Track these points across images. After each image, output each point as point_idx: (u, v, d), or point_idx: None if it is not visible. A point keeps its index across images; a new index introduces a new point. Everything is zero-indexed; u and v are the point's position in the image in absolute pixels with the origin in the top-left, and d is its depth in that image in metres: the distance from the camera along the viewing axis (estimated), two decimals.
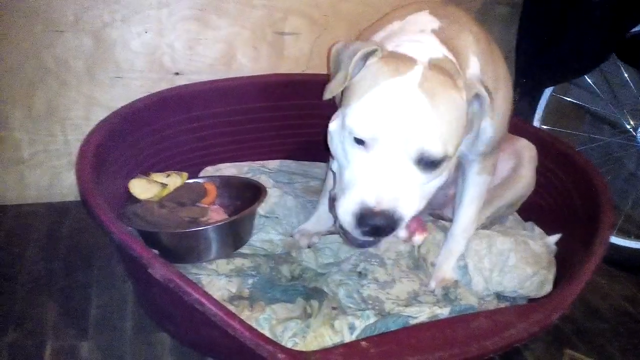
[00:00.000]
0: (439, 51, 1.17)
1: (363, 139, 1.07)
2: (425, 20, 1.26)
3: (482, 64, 1.27)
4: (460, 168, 1.48)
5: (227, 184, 1.71)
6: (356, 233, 1.09)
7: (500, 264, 1.44)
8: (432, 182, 1.13)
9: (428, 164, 1.07)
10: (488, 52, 1.31)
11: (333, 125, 1.16)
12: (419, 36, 1.21)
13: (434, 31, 1.22)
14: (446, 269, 1.46)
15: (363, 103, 1.07)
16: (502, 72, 1.36)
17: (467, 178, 1.46)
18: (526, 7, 2.01)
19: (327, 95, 1.17)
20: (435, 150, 1.05)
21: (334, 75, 1.17)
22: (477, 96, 1.13)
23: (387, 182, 1.05)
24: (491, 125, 1.33)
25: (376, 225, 1.05)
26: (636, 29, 1.82)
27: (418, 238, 1.46)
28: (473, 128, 1.21)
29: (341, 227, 1.12)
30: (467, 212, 1.48)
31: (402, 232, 1.22)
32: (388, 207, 1.04)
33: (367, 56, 1.13)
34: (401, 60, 1.10)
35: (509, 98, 1.39)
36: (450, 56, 1.18)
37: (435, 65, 1.11)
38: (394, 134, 1.04)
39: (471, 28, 1.29)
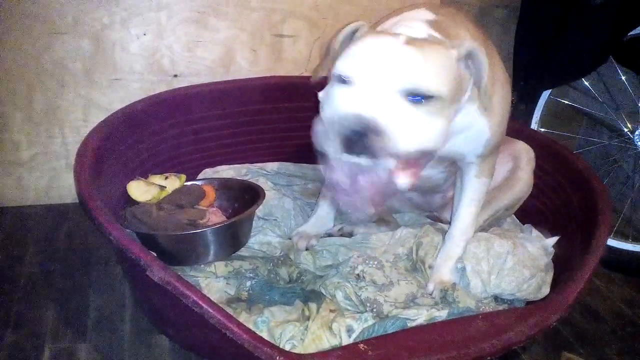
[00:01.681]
0: (428, 32, 1.18)
1: (348, 77, 1.05)
2: (421, 13, 1.28)
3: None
4: (458, 171, 1.48)
5: (226, 186, 1.71)
6: (342, 157, 1.05)
7: (498, 267, 1.44)
8: (430, 121, 1.07)
9: (418, 98, 1.04)
10: (485, 53, 1.30)
11: (322, 93, 1.15)
12: (411, 23, 1.22)
13: (427, 21, 1.23)
14: (444, 271, 1.46)
15: (350, 49, 1.09)
16: (500, 74, 1.37)
17: (466, 181, 1.46)
18: (524, 10, 2.01)
19: (314, 76, 1.21)
20: (424, 80, 1.04)
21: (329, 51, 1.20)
22: (470, 55, 1.13)
23: (368, 108, 1.02)
24: (489, 126, 1.33)
25: (353, 129, 1.01)
26: (634, 32, 1.83)
27: (402, 180, 1.13)
28: (466, 91, 1.19)
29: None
30: (466, 215, 1.48)
31: (390, 162, 1.06)
32: (367, 114, 1.01)
33: (354, 32, 1.16)
34: (387, 33, 1.14)
35: (507, 100, 1.39)
36: (440, 37, 1.18)
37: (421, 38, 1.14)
38: (381, 67, 1.04)
39: (468, 26, 1.30)
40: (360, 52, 1.07)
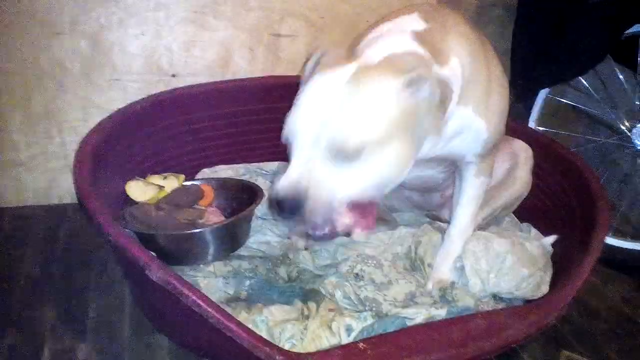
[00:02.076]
0: (407, 48, 1.17)
1: (287, 139, 1.11)
2: (411, 22, 1.27)
3: (469, 67, 1.26)
4: (457, 170, 1.48)
5: (224, 186, 1.71)
6: (279, 218, 1.12)
7: (497, 266, 1.45)
8: (364, 172, 1.08)
9: (345, 156, 1.06)
10: (479, 55, 1.30)
11: None
12: (396, 36, 1.22)
13: (415, 32, 1.23)
14: (443, 270, 1.46)
15: (291, 110, 1.11)
16: (497, 74, 1.36)
17: (465, 180, 1.46)
18: (522, 9, 2.02)
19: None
20: (346, 139, 1.04)
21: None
22: (415, 82, 1.08)
23: (295, 174, 1.07)
24: (486, 127, 1.33)
25: (279, 200, 1.07)
26: (631, 30, 1.83)
27: (358, 233, 1.20)
28: (429, 118, 1.15)
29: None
30: (465, 214, 1.48)
31: (342, 221, 1.13)
32: (292, 193, 1.06)
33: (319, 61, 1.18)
34: (341, 60, 1.12)
35: (505, 100, 1.39)
36: (422, 51, 1.18)
37: (382, 61, 1.11)
38: (304, 132, 1.07)
39: (460, 31, 1.29)
40: (294, 113, 1.10)
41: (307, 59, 1.23)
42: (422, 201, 1.74)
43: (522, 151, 1.65)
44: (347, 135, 1.04)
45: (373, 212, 1.20)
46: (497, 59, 1.40)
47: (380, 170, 1.10)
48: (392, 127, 1.08)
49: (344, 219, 1.12)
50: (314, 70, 1.17)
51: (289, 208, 1.07)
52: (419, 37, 1.21)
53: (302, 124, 1.07)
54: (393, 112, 1.07)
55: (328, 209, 1.09)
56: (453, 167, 1.49)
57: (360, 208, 1.14)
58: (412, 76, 1.07)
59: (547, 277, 1.49)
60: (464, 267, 1.46)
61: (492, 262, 1.45)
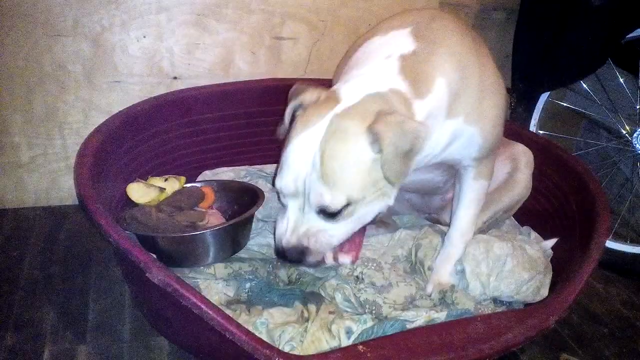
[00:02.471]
0: (387, 84, 1.19)
1: (280, 194, 1.22)
2: (400, 43, 1.28)
3: (457, 82, 1.27)
4: (457, 173, 1.48)
5: (225, 188, 1.71)
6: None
7: (498, 269, 1.45)
8: (343, 224, 1.20)
9: (329, 214, 1.17)
10: (470, 66, 1.30)
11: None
12: (379, 64, 1.24)
13: (401, 57, 1.24)
14: (443, 273, 1.46)
15: (281, 162, 1.20)
16: (490, 81, 1.35)
17: (464, 183, 1.46)
18: (523, 13, 2.02)
19: (277, 135, 1.33)
20: (327, 202, 1.14)
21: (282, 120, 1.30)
22: (377, 138, 1.12)
23: (293, 226, 1.21)
24: (480, 133, 1.34)
25: (286, 258, 1.23)
26: (632, 34, 1.83)
27: (343, 259, 1.44)
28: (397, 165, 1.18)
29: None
30: (465, 217, 1.49)
31: (328, 258, 1.38)
32: (295, 244, 1.21)
33: (297, 109, 1.24)
34: (317, 111, 1.17)
35: (500, 105, 1.38)
36: (403, 86, 1.20)
37: (354, 106, 1.15)
38: (293, 190, 1.17)
39: (449, 45, 1.28)
40: (283, 167, 1.19)
41: (290, 99, 1.27)
42: (423, 204, 1.74)
43: (523, 155, 1.65)
44: (329, 201, 1.14)
45: (360, 240, 1.42)
46: (491, 64, 1.39)
47: (364, 216, 1.21)
48: (367, 183, 1.15)
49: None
50: (296, 115, 1.23)
51: (293, 258, 1.23)
52: (404, 63, 1.23)
53: (290, 184, 1.17)
54: (365, 169, 1.14)
55: (323, 254, 1.26)
56: (452, 170, 1.50)
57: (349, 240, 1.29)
58: (372, 133, 1.11)
59: (547, 281, 1.49)
60: (464, 270, 1.46)
61: (493, 266, 1.45)
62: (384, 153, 1.12)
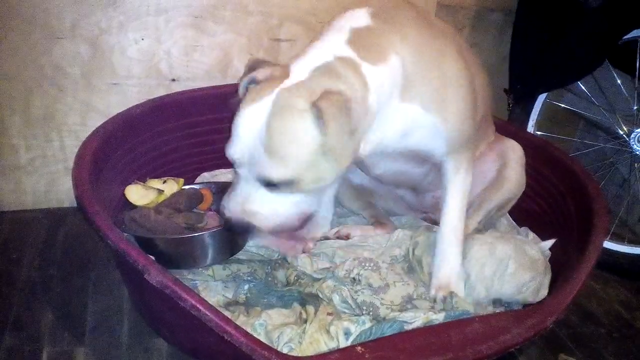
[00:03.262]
0: (334, 52, 1.21)
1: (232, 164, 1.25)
2: (356, 18, 1.29)
3: (413, 64, 1.27)
4: (440, 169, 1.48)
5: (224, 190, 1.68)
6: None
7: (500, 271, 1.44)
8: (287, 201, 1.23)
9: (273, 185, 1.19)
10: (428, 52, 1.30)
11: None
12: (329, 37, 1.27)
13: (352, 29, 1.26)
14: (441, 276, 1.44)
15: (231, 134, 1.22)
16: (453, 72, 1.33)
17: (445, 176, 1.46)
18: (520, 14, 2.03)
19: (230, 106, 1.33)
20: (271, 176, 1.17)
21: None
22: (320, 113, 1.12)
23: (239, 196, 1.24)
24: (443, 125, 1.33)
25: (230, 227, 1.27)
26: (629, 35, 1.84)
27: (291, 254, 1.55)
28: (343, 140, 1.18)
29: None
30: (452, 211, 1.47)
31: (265, 240, 1.50)
32: (237, 217, 1.24)
33: (250, 83, 1.26)
34: (267, 86, 1.19)
35: (466, 99, 1.36)
36: (352, 55, 1.21)
37: (301, 82, 1.17)
38: (239, 160, 1.20)
39: (407, 26, 1.29)
40: (232, 137, 1.22)
41: (244, 74, 1.29)
42: (416, 202, 1.74)
43: (511, 151, 1.63)
44: (270, 173, 1.16)
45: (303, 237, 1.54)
46: (456, 57, 1.36)
47: (306, 200, 1.25)
48: (309, 159, 1.16)
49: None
50: (246, 90, 1.26)
51: (239, 229, 1.27)
52: (356, 34, 1.25)
53: (237, 153, 1.20)
54: (307, 145, 1.15)
55: (267, 230, 1.27)
56: (430, 163, 1.49)
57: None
58: (317, 107, 1.12)
59: (547, 281, 1.49)
60: (469, 275, 1.45)
61: (496, 268, 1.44)
62: (327, 130, 1.12)
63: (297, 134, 1.14)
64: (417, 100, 1.29)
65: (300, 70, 1.20)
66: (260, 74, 1.24)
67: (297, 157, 1.15)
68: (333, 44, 1.24)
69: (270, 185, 1.19)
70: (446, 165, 1.44)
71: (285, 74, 1.20)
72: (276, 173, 1.16)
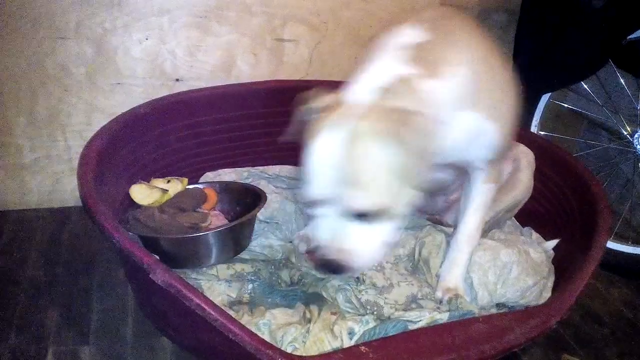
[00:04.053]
0: (397, 72, 1.18)
1: (310, 203, 1.18)
2: (413, 34, 1.26)
3: (472, 74, 1.25)
4: (465, 176, 1.48)
5: (227, 190, 1.72)
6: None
7: (504, 277, 1.44)
8: (380, 228, 1.17)
9: (363, 217, 1.14)
10: (484, 63, 1.29)
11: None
12: (390, 54, 1.23)
13: (412, 45, 1.22)
14: (450, 279, 1.45)
15: (305, 171, 1.16)
16: (504, 78, 1.35)
17: (473, 186, 1.45)
18: (524, 14, 2.03)
19: (283, 138, 1.31)
20: (363, 206, 1.12)
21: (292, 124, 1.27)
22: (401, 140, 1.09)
23: (330, 237, 1.17)
24: (499, 133, 1.33)
25: (324, 270, 1.20)
26: (633, 35, 1.84)
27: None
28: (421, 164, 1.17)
29: None
30: (472, 220, 1.47)
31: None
32: (334, 258, 1.17)
33: (312, 112, 1.20)
34: (333, 116, 1.14)
35: (514, 105, 1.37)
36: (414, 72, 1.18)
37: (372, 109, 1.13)
38: (326, 197, 1.14)
39: (464, 39, 1.28)
40: (309, 175, 1.15)
41: (299, 104, 1.25)
42: (426, 204, 1.74)
43: (524, 155, 1.65)
44: (360, 203, 1.11)
45: None
46: (504, 67, 1.37)
47: (394, 226, 1.19)
48: (392, 186, 1.12)
49: None
50: (312, 120, 1.19)
51: (338, 271, 1.19)
52: (417, 50, 1.21)
53: (319, 191, 1.14)
54: (389, 171, 1.11)
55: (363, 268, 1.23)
56: (460, 170, 1.49)
57: None
58: (395, 136, 1.09)
59: (550, 284, 1.49)
60: (472, 280, 1.45)
61: (499, 274, 1.44)
62: (405, 155, 1.10)
63: (381, 159, 1.10)
64: (483, 110, 1.28)
65: (363, 93, 1.16)
66: (320, 102, 1.20)
67: (384, 183, 1.11)
68: (393, 63, 1.20)
69: (360, 216, 1.13)
70: (478, 175, 1.43)
71: (347, 100, 1.16)
72: (367, 203, 1.11)
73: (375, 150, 1.10)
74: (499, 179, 1.48)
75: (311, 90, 1.26)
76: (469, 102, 1.26)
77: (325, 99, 1.19)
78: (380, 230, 1.17)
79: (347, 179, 1.10)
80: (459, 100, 1.23)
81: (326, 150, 1.12)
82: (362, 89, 1.17)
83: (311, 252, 1.30)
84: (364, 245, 1.17)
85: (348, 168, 1.10)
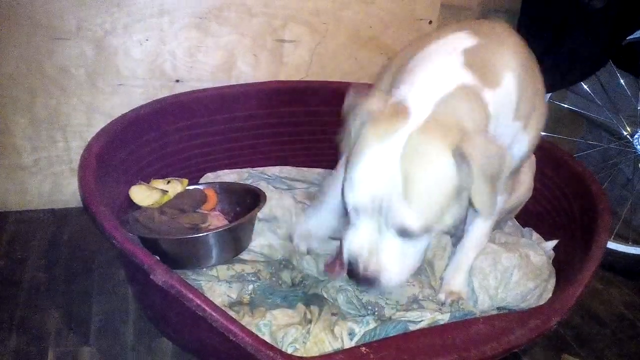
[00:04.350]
0: (454, 81, 1.13)
1: (353, 212, 1.14)
2: (461, 39, 1.23)
3: (520, 80, 1.23)
4: None
5: (227, 190, 1.72)
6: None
7: (505, 281, 1.44)
8: (419, 245, 1.16)
9: (408, 236, 1.11)
10: (528, 68, 1.27)
11: (339, 172, 1.23)
12: (442, 61, 1.18)
13: (465, 51, 1.18)
14: (454, 283, 1.44)
15: (353, 177, 1.11)
16: (540, 87, 1.33)
17: None
18: (524, 15, 2.03)
19: (340, 147, 1.26)
20: (411, 226, 1.08)
21: (345, 129, 1.20)
22: (462, 156, 1.05)
23: (367, 247, 1.14)
24: (528, 141, 1.32)
25: (359, 282, 1.18)
26: (633, 36, 1.84)
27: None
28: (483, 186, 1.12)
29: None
30: (482, 228, 1.46)
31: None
32: (371, 271, 1.15)
33: (364, 117, 1.14)
34: (389, 124, 1.09)
35: (545, 115, 1.35)
36: (473, 81, 1.14)
37: (431, 121, 1.07)
38: (373, 208, 1.10)
39: (512, 42, 1.26)
40: (359, 184, 1.10)
41: (349, 107, 1.18)
42: None
43: None
44: (411, 223, 1.08)
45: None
46: (540, 73, 1.35)
47: (437, 234, 1.20)
48: (447, 207, 1.09)
49: None
50: (360, 125, 1.14)
51: (367, 284, 1.17)
52: (469, 55, 1.17)
53: (365, 200, 1.10)
54: (449, 193, 1.08)
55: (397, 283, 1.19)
56: None
57: None
58: (462, 157, 1.05)
59: (550, 286, 1.49)
60: (472, 284, 1.45)
61: (501, 278, 1.44)
62: (474, 178, 1.05)
63: (440, 180, 1.06)
64: (522, 118, 1.26)
65: (421, 103, 1.09)
66: (373, 107, 1.12)
67: (439, 205, 1.07)
68: (450, 70, 1.15)
69: (405, 233, 1.10)
70: None
71: (404, 108, 1.10)
72: (418, 222, 1.07)
73: (433, 170, 1.06)
74: (512, 191, 1.46)
75: (351, 90, 1.21)
76: (514, 110, 1.23)
77: (377, 102, 1.13)
78: (417, 248, 1.15)
79: (401, 194, 1.06)
80: (507, 110, 1.21)
81: (378, 160, 1.07)
82: (421, 99, 1.10)
83: (332, 264, 1.31)
84: (400, 261, 1.14)
85: (402, 183, 1.05)
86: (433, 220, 1.09)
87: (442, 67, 1.17)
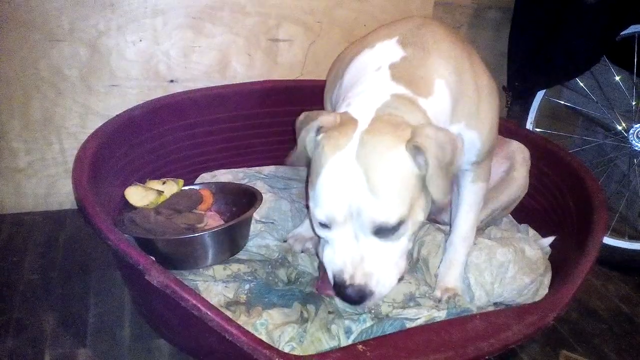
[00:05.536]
0: (389, 90, 1.18)
1: (324, 223, 1.14)
2: (388, 52, 1.27)
3: (453, 86, 1.26)
4: (455, 177, 1.48)
5: (223, 190, 1.72)
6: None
7: (501, 276, 1.44)
8: (399, 243, 1.15)
9: (386, 231, 1.11)
10: (465, 69, 1.30)
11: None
12: (372, 78, 1.22)
13: (391, 66, 1.23)
14: (449, 279, 1.45)
15: (316, 191, 1.13)
16: (484, 83, 1.35)
17: (463, 187, 1.46)
18: (518, 11, 2.03)
19: (289, 163, 1.29)
20: (384, 219, 1.09)
21: (298, 145, 1.22)
22: (418, 148, 1.08)
23: (352, 258, 1.13)
24: (479, 138, 1.34)
25: (350, 297, 1.13)
26: (627, 31, 1.84)
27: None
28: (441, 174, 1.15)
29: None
30: (466, 220, 1.47)
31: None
32: (359, 282, 1.12)
33: (317, 132, 1.16)
34: (342, 131, 1.12)
35: (495, 108, 1.38)
36: (405, 91, 1.18)
37: (377, 121, 1.12)
38: (344, 215, 1.10)
39: (441, 49, 1.27)
40: (325, 195, 1.11)
41: (301, 126, 1.21)
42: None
43: (519, 152, 1.65)
44: (385, 217, 1.08)
45: None
46: (483, 67, 1.38)
47: (410, 238, 1.17)
48: (413, 197, 1.11)
49: None
50: (315, 142, 1.17)
51: (361, 299, 1.14)
52: (396, 70, 1.21)
53: (336, 210, 1.10)
54: (410, 182, 1.10)
55: (385, 293, 1.17)
56: None
57: None
58: (417, 148, 1.08)
59: (546, 281, 1.49)
60: (468, 281, 1.45)
61: (496, 273, 1.45)
62: (429, 167, 1.08)
63: (398, 167, 1.08)
64: (462, 119, 1.29)
65: (364, 111, 1.14)
66: (324, 121, 1.15)
67: (405, 193, 1.09)
68: (381, 84, 1.20)
69: (382, 231, 1.11)
70: (466, 176, 1.44)
71: (352, 118, 1.14)
72: (389, 213, 1.08)
73: (392, 161, 1.08)
74: (488, 178, 1.48)
75: (306, 112, 1.23)
76: (451, 116, 1.27)
77: (327, 118, 1.16)
78: (399, 247, 1.15)
79: (365, 188, 1.07)
80: (443, 117, 1.24)
81: (339, 167, 1.10)
82: (364, 108, 1.15)
83: (322, 284, 1.30)
84: (384, 264, 1.14)
85: (366, 181, 1.07)
86: (403, 211, 1.10)
87: (373, 83, 1.21)
